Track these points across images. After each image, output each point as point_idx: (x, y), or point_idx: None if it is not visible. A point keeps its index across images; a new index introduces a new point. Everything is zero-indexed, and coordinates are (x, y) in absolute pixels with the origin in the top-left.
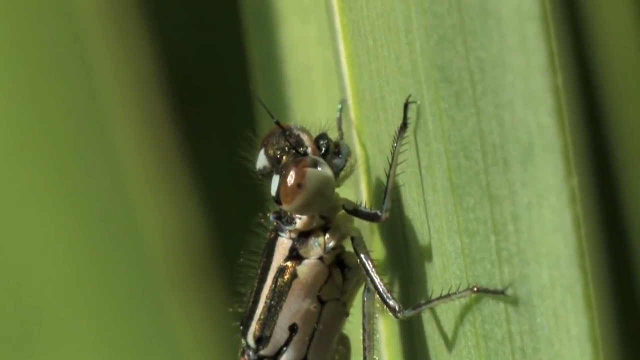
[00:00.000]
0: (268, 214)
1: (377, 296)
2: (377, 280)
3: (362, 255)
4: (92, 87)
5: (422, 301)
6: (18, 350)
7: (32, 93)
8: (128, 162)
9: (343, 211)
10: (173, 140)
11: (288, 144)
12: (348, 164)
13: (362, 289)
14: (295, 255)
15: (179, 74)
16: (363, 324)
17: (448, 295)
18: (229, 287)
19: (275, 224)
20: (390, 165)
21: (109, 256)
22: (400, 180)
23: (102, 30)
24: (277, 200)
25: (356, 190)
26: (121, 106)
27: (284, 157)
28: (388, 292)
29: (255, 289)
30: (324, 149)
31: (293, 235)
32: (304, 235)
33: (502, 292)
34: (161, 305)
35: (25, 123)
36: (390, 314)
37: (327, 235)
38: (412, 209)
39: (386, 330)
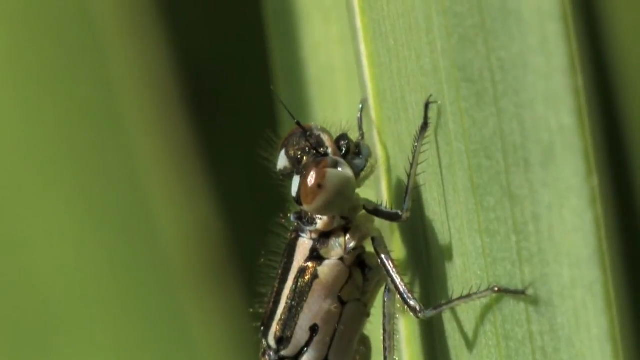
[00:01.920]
0: (289, 215)
1: (398, 296)
2: (397, 280)
3: (382, 256)
4: (109, 86)
5: (443, 301)
6: (34, 348)
7: (49, 93)
8: (145, 162)
9: (364, 211)
10: (191, 140)
11: (309, 144)
12: (368, 164)
13: (382, 289)
14: (316, 256)
15: (198, 74)
16: (384, 324)
17: (469, 295)
18: (246, 287)
19: (295, 224)
20: (411, 165)
21: (126, 255)
22: (421, 180)
23: (120, 29)
24: (298, 200)
25: (377, 190)
26: (139, 106)
27: (304, 158)
28: (409, 292)
29: (276, 289)
30: (344, 149)
31: (314, 235)
32: (324, 236)
33: (523, 292)
34: (178, 305)
35: (43, 123)
36: (411, 314)
37: (348, 236)
38: (433, 208)
39: (407, 330)
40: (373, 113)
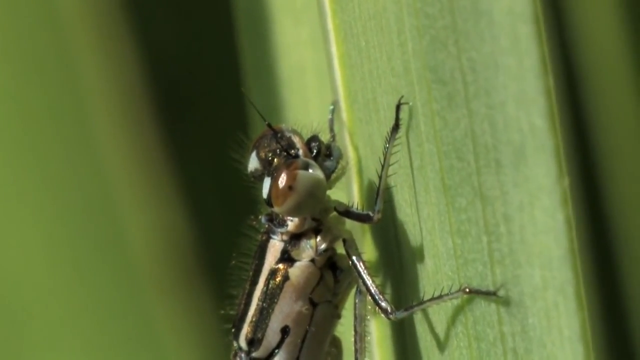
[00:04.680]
0: (260, 216)
1: (369, 298)
2: (369, 281)
3: (353, 257)
4: (77, 89)
5: (414, 302)
6: (2, 355)
7: (17, 99)
8: (113, 166)
9: (335, 213)
10: (160, 144)
11: (279, 146)
12: (339, 166)
13: (354, 290)
14: (287, 258)
15: (169, 76)
16: (355, 326)
17: (440, 297)
18: (215, 290)
19: (266, 226)
20: (382, 167)
21: (94, 260)
22: (393, 181)
23: (89, 33)
24: (269, 202)
25: (348, 191)
26: (107, 109)
27: (275, 160)
28: (380, 293)
29: (247, 291)
30: (315, 151)
31: (285, 237)
32: (295, 238)
33: (494, 293)
34: (146, 309)
35: (10, 128)
36: (383, 315)
37: (319, 237)
38: (404, 210)
39: (378, 331)
40: (344, 114)
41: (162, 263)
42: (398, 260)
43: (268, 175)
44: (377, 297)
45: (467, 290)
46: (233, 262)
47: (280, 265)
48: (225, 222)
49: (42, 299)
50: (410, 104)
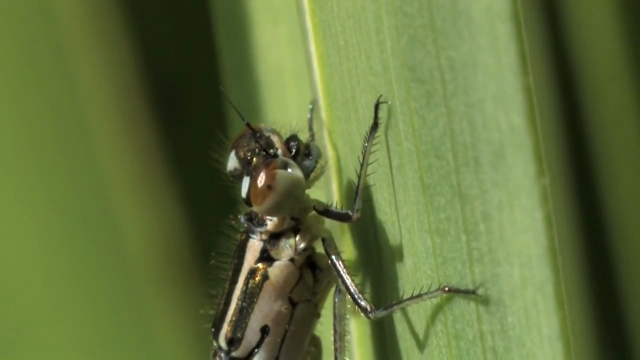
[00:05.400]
0: (239, 216)
1: (349, 297)
2: (348, 280)
3: (333, 256)
4: (73, 91)
5: (394, 301)
6: None
7: (12, 100)
8: (108, 165)
9: (314, 212)
10: (153, 143)
11: (258, 145)
12: (318, 165)
13: (333, 290)
14: (266, 257)
15: (157, 77)
16: (334, 325)
17: (419, 295)
18: (208, 288)
19: (246, 225)
20: (361, 165)
21: (89, 258)
22: (372, 180)
23: (82, 36)
24: (248, 201)
25: (327, 190)
26: (101, 110)
27: (254, 159)
28: (359, 292)
29: (226, 290)
30: (294, 150)
31: (264, 236)
32: (274, 237)
33: (474, 292)
34: (141, 307)
35: (6, 127)
36: (362, 314)
37: (298, 237)
38: (384, 209)
39: (357, 330)
40: (323, 114)
41: (158, 263)
42: (377, 259)
43: (247, 175)
44: (356, 296)
45: (447, 289)
46: (212, 261)
47: (260, 265)
48: (220, 221)
49: (38, 299)
50: (389, 102)
